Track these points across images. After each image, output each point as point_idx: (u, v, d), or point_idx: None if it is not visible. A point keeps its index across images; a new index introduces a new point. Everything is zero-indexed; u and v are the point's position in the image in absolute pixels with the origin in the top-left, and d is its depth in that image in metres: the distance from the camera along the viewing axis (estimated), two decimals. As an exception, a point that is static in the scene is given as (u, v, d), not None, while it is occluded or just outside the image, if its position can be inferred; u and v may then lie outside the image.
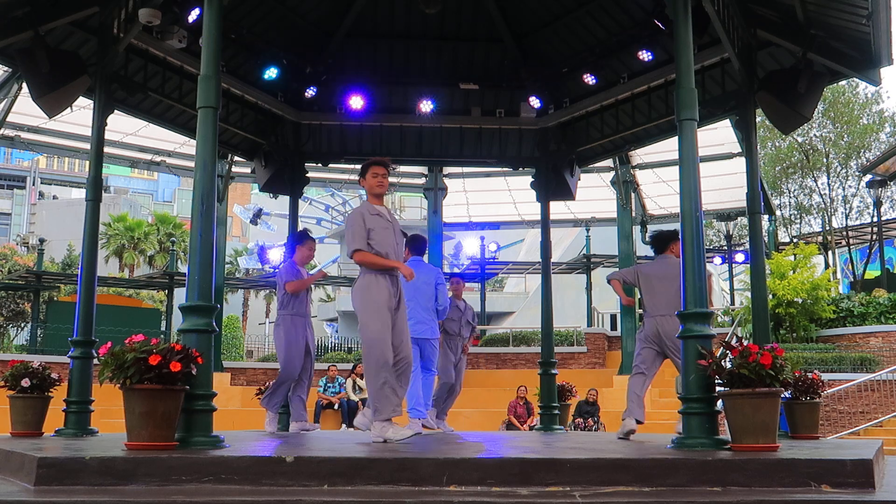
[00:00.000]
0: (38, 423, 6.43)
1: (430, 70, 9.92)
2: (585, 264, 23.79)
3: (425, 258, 7.49)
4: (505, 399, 14.96)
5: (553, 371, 9.23)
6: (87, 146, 7.44)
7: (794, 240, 24.56)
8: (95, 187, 6.88)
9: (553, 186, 9.76)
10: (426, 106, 9.55)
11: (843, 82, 24.89)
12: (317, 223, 44.16)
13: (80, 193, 48.94)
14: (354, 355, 21.33)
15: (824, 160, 26.80)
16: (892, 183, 25.78)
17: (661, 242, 6.78)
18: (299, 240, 7.24)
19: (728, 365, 4.57)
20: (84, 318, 6.60)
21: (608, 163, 15.90)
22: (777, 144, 28.16)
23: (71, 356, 6.58)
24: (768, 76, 7.37)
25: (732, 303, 25.13)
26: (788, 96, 7.02)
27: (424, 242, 7.39)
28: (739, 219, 21.47)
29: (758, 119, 8.81)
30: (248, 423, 13.35)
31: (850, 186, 27.72)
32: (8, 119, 12.83)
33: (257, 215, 27.74)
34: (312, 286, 7.56)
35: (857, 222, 27.54)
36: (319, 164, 11.17)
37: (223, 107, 6.01)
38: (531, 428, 13.15)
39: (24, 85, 9.69)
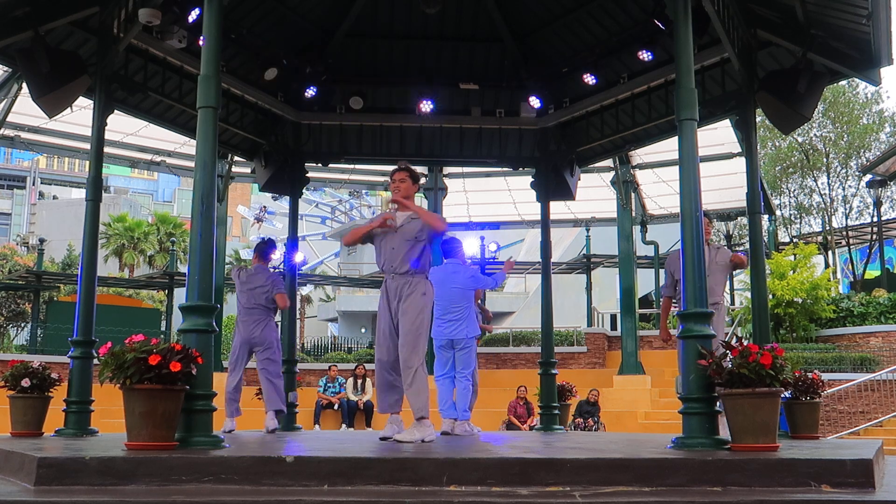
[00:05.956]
0: (38, 423, 6.43)
1: (430, 70, 9.89)
2: (585, 264, 23.77)
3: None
4: (505, 399, 14.96)
5: (553, 371, 9.23)
6: (87, 146, 7.43)
7: (794, 240, 24.55)
8: (95, 187, 6.88)
9: (553, 186, 9.75)
10: (426, 106, 9.53)
11: (843, 82, 24.88)
12: (321, 222, 44.48)
13: (80, 193, 48.97)
14: (354, 355, 21.33)
15: (824, 160, 26.77)
16: (892, 183, 25.78)
17: None
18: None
19: (728, 365, 4.57)
20: (84, 318, 6.60)
21: (608, 163, 15.86)
22: (777, 144, 28.13)
23: (71, 356, 6.57)
24: (768, 76, 7.37)
25: (732, 303, 25.11)
26: (788, 96, 7.01)
27: (449, 245, 7.28)
28: (739, 219, 21.44)
29: (758, 119, 8.80)
30: (247, 423, 13.32)
31: (850, 186, 27.70)
32: (8, 119, 12.78)
33: (260, 216, 28.18)
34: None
35: (857, 222, 27.51)
36: (319, 164, 11.17)
37: (223, 107, 6.02)
38: (531, 428, 13.14)
39: (24, 85, 9.68)
